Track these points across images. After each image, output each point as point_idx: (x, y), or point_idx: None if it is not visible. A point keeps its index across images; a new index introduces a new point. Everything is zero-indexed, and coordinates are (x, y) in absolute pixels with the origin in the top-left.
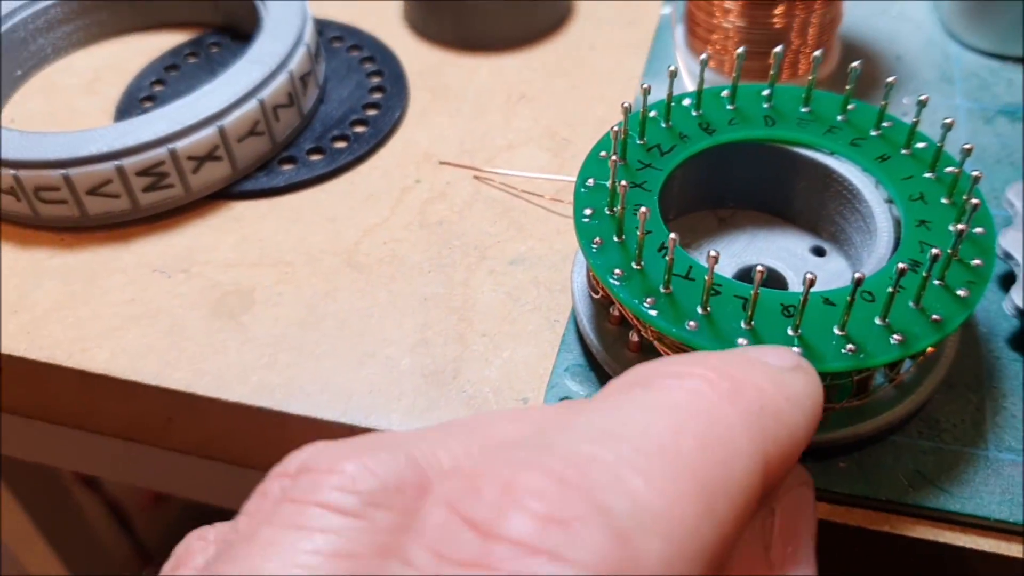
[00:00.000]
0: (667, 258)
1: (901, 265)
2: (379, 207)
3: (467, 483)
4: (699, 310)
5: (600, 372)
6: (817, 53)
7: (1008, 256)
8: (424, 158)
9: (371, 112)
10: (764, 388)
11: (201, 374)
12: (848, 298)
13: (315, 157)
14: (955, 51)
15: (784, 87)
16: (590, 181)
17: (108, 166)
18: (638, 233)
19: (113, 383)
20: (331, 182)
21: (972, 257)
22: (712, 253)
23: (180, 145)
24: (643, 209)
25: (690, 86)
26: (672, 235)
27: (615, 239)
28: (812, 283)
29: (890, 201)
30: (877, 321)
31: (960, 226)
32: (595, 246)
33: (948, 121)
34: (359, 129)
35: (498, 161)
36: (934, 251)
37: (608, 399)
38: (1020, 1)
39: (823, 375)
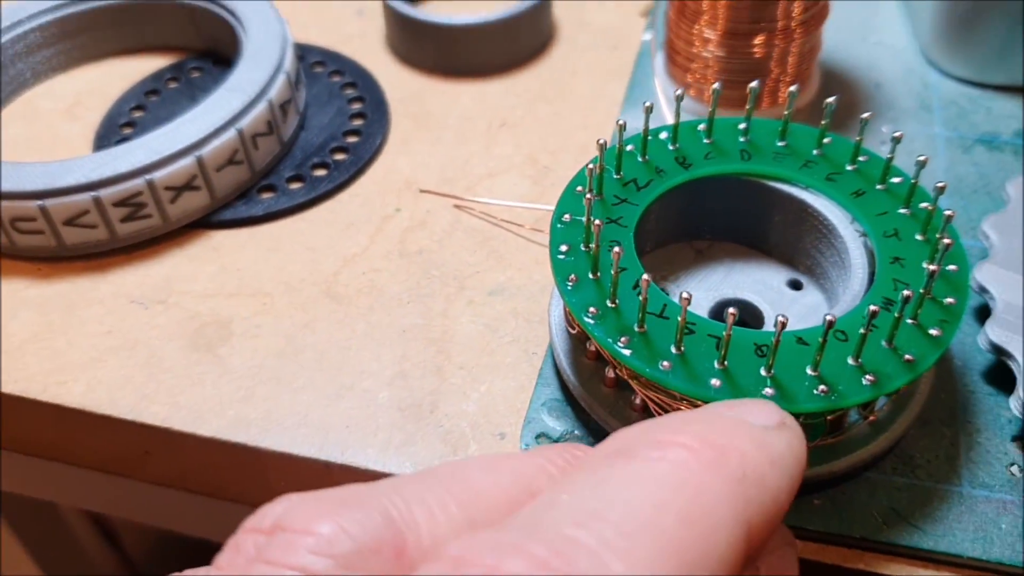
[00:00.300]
0: (640, 297)
1: (872, 308)
2: (359, 236)
3: (452, 567)
4: (673, 349)
5: (577, 407)
6: (793, 88)
7: (983, 290)
8: (405, 186)
9: (352, 139)
10: (747, 453)
11: (178, 408)
12: (820, 339)
13: (295, 185)
14: (934, 79)
15: (760, 120)
16: (566, 217)
17: (85, 197)
18: (612, 271)
19: (89, 417)
20: (311, 210)
21: (945, 295)
22: (684, 295)
23: (158, 175)
24: (616, 249)
25: (669, 115)
26: (645, 276)
27: (590, 276)
28: (784, 325)
29: (865, 235)
30: (850, 361)
31: (932, 267)
32: (570, 283)
33: (922, 159)
34: (339, 156)
35: (479, 189)
36: (906, 292)
37: (593, 470)
38: (999, 29)
39: (796, 415)
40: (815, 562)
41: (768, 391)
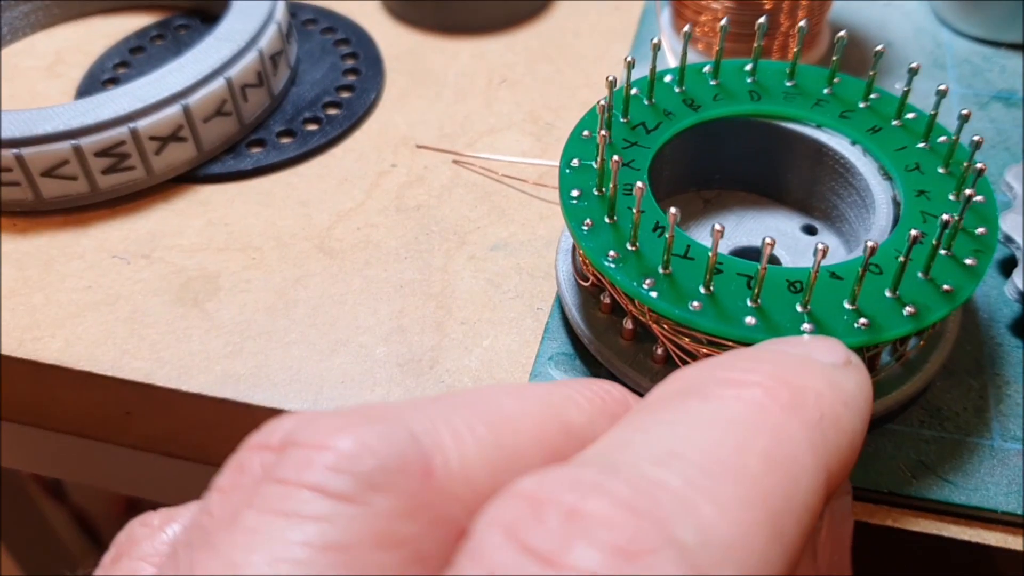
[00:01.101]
0: (666, 237)
1: (914, 232)
2: (353, 191)
3: (527, 507)
4: (702, 290)
5: (586, 360)
6: (802, 23)
7: (1009, 240)
8: (401, 142)
9: (345, 95)
10: (822, 394)
11: (162, 363)
12: (859, 270)
13: (285, 140)
14: (947, 38)
15: (768, 62)
16: (575, 161)
17: (64, 146)
18: (632, 212)
19: (67, 374)
20: (302, 165)
21: (976, 226)
22: (717, 227)
23: (142, 124)
24: (639, 184)
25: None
26: (673, 210)
27: (606, 220)
28: (824, 253)
29: (884, 176)
30: (887, 294)
31: (967, 191)
32: (585, 228)
33: (942, 88)
34: (332, 112)
35: (479, 146)
36: (944, 217)
37: (662, 410)
38: None
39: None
40: None
41: (807, 327)
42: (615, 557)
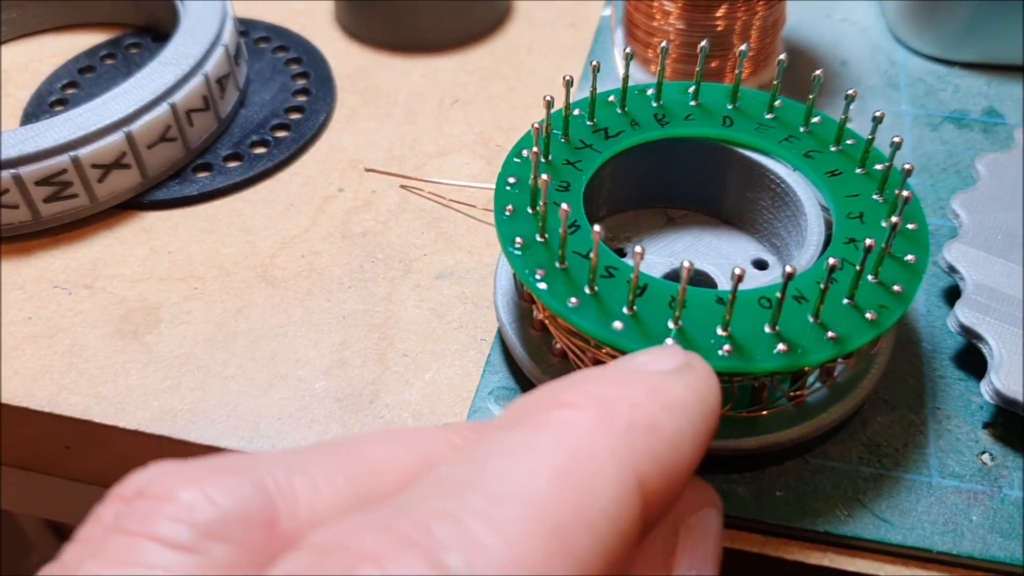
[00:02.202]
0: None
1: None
2: (298, 217)
3: (312, 558)
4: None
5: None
6: (743, 47)
7: (953, 270)
8: (349, 165)
9: (294, 116)
10: (638, 403)
11: (99, 399)
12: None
13: (232, 164)
14: (902, 56)
15: (714, 85)
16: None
17: (5, 175)
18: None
19: (6, 409)
20: (249, 190)
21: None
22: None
23: (83, 152)
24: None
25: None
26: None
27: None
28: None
29: (825, 209)
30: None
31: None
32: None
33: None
34: (281, 134)
35: (428, 168)
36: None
37: (480, 442)
38: (967, 5)
39: (757, 375)
40: (776, 558)
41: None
42: None
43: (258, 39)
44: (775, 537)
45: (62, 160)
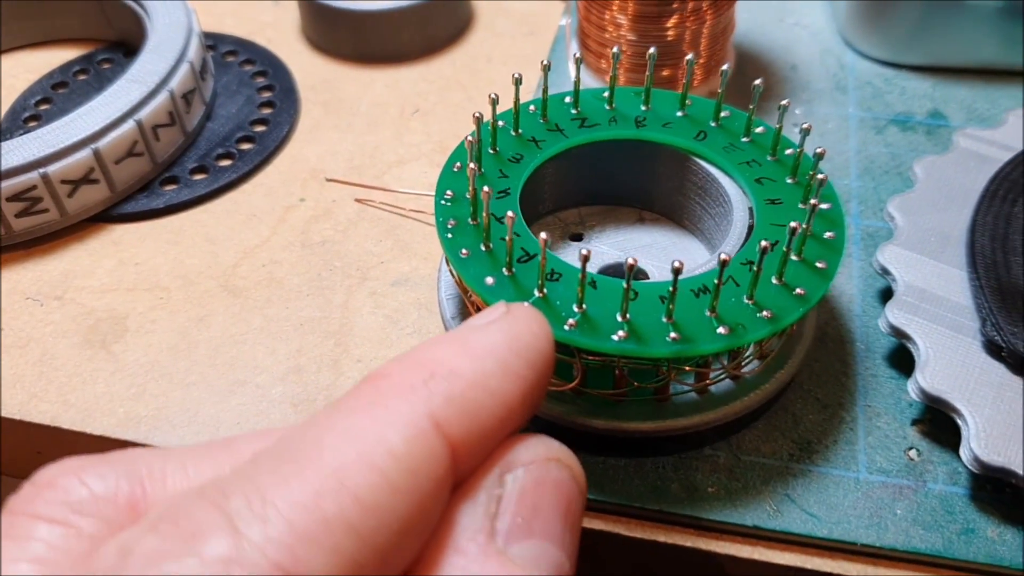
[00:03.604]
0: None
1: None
2: (260, 227)
3: (151, 521)
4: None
5: None
6: (689, 56)
7: (885, 272)
8: (311, 175)
9: (259, 128)
10: (440, 357)
11: (67, 406)
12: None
13: (198, 176)
14: (851, 60)
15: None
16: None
17: None
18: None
19: None
20: (213, 202)
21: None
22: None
23: (52, 169)
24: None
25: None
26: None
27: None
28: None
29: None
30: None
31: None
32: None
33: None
34: (245, 146)
35: (387, 177)
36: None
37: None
38: (914, 9)
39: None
40: (708, 552)
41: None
42: (177, 538)
43: (225, 52)
44: (707, 532)
45: (32, 177)
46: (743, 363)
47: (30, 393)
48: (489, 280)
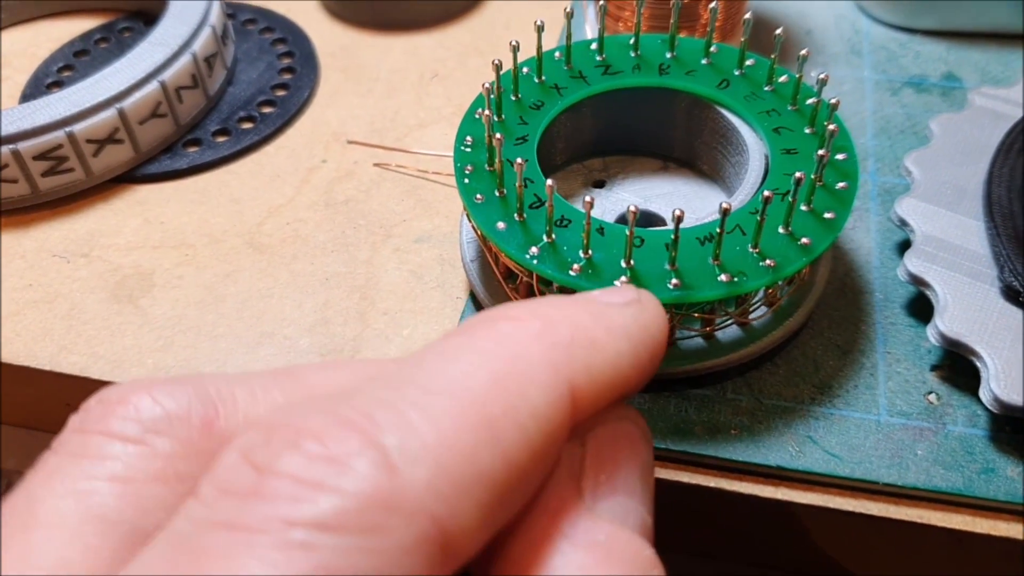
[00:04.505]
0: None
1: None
2: (284, 187)
3: (262, 434)
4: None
5: None
6: (713, 4)
7: (903, 223)
8: (332, 138)
9: (280, 93)
10: (580, 323)
11: (96, 358)
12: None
13: (221, 138)
14: (865, 25)
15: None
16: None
17: (4, 150)
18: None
19: (8, 369)
20: (236, 163)
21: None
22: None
23: (78, 128)
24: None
25: None
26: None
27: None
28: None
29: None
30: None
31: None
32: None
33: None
34: (267, 110)
35: (408, 140)
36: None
37: (425, 349)
38: None
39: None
40: (731, 492)
41: (673, 282)
42: (317, 462)
43: (245, 21)
44: (730, 472)
45: (58, 136)
46: (750, 310)
47: (59, 345)
48: (500, 225)
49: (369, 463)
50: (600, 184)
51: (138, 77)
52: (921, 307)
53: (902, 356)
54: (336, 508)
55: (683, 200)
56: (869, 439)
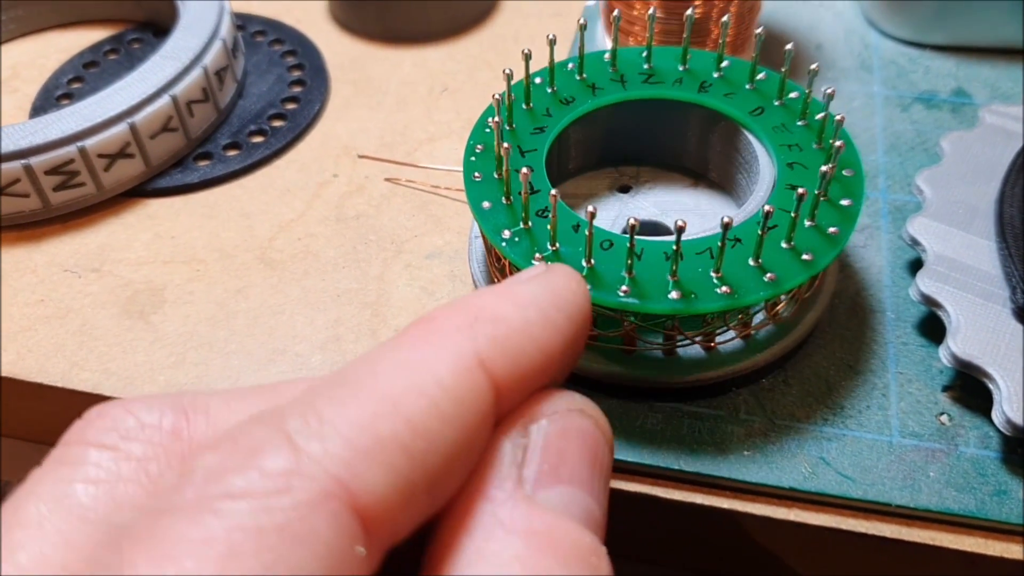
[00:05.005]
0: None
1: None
2: (295, 202)
3: (214, 448)
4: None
5: None
6: (725, 18)
7: (915, 242)
8: (343, 152)
9: (290, 106)
10: (483, 303)
11: (108, 374)
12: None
13: (231, 152)
14: (875, 39)
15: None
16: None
17: (15, 165)
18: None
19: (19, 385)
20: (247, 177)
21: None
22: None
23: (90, 143)
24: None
25: None
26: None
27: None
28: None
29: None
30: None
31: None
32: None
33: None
34: (277, 123)
35: (418, 154)
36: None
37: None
38: None
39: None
40: (744, 513)
41: (673, 294)
42: (231, 454)
43: (255, 33)
44: (743, 494)
45: (70, 150)
46: (750, 323)
47: (71, 362)
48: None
49: (273, 445)
50: (626, 189)
51: (149, 91)
52: (933, 327)
53: (914, 376)
54: (244, 481)
55: (700, 216)
56: (881, 460)
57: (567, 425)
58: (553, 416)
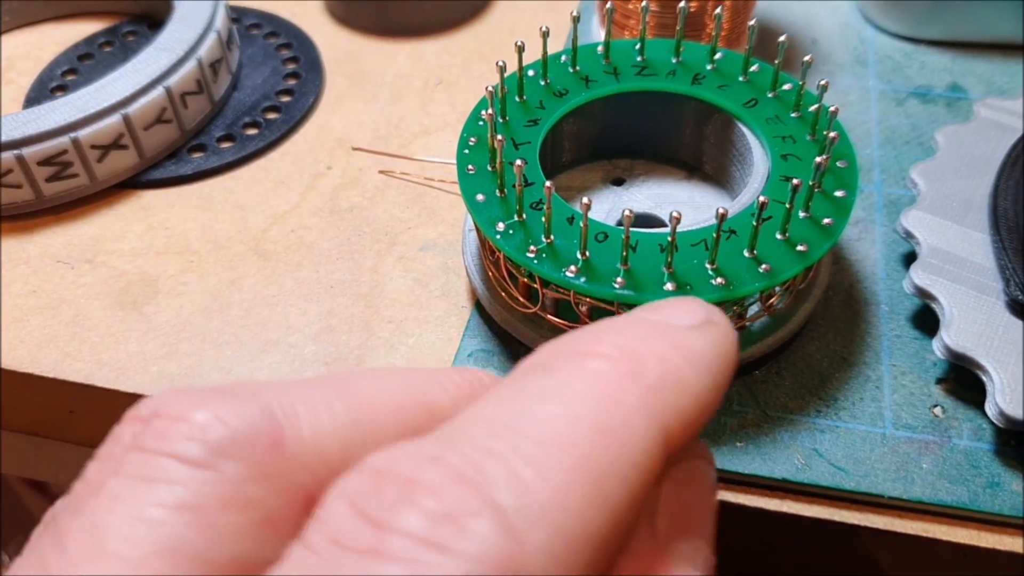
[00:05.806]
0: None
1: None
2: (289, 194)
3: (370, 479)
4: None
5: (505, 356)
6: (718, 11)
7: (909, 235)
8: (337, 144)
9: (285, 99)
10: (664, 357)
11: (101, 365)
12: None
13: (225, 144)
14: (870, 34)
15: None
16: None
17: (8, 156)
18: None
19: (11, 376)
20: (241, 169)
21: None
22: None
23: (83, 134)
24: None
25: None
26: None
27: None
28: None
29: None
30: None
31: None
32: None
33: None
34: (271, 116)
35: (413, 147)
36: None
37: (511, 386)
38: None
39: None
40: (738, 505)
41: (668, 286)
42: (437, 521)
43: (250, 25)
44: (736, 485)
45: (63, 141)
46: (745, 315)
47: (63, 352)
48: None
49: (490, 525)
50: (619, 182)
51: (143, 83)
52: (927, 319)
53: (907, 369)
54: (461, 573)
55: (694, 208)
56: (875, 452)
57: (692, 475)
58: (680, 465)
